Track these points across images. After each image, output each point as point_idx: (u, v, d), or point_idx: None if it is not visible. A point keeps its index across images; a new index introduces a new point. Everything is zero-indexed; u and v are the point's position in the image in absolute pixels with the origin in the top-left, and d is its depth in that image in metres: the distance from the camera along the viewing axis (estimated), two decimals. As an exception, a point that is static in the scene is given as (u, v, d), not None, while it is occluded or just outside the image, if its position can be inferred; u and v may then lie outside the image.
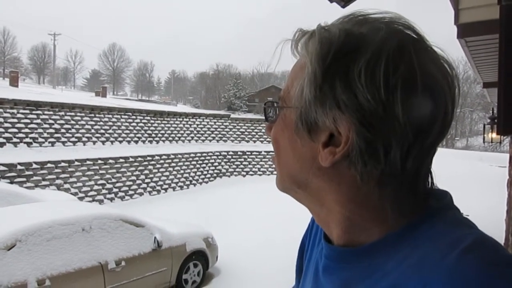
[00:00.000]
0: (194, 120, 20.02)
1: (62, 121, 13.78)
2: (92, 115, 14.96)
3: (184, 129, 19.27)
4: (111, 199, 13.42)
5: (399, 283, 0.45)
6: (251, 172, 19.95)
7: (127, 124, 16.30)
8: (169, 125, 18.39)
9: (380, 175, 0.49)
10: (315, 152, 0.51)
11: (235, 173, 19.67)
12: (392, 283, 0.45)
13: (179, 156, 16.76)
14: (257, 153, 20.33)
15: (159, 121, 17.85)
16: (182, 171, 16.73)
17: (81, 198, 11.76)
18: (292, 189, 0.57)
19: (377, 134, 0.47)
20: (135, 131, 16.57)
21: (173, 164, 16.32)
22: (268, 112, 0.60)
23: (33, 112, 13.00)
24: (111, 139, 15.46)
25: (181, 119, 19.21)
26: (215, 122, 21.13)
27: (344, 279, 0.53)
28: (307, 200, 0.57)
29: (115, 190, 13.65)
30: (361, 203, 0.51)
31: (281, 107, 0.56)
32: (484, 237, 0.44)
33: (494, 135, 8.39)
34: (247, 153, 20.17)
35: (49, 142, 13.22)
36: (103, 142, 15.05)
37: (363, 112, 0.47)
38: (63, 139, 13.66)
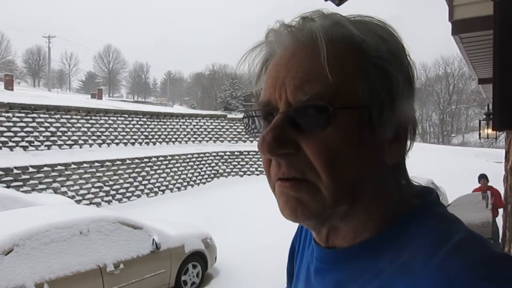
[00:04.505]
0: (190, 121, 20.00)
1: (58, 124, 13.73)
2: (88, 117, 14.91)
3: (181, 130, 19.25)
4: (109, 202, 13.39)
5: (390, 283, 0.44)
6: (248, 172, 19.94)
7: (123, 126, 16.25)
8: (165, 126, 18.36)
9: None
10: (380, 150, 0.49)
11: (232, 173, 19.67)
12: (384, 283, 0.45)
13: (176, 157, 16.73)
14: (254, 153, 20.33)
15: (155, 123, 17.81)
16: (179, 172, 16.71)
17: (78, 201, 11.72)
18: (337, 210, 0.48)
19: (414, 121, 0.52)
20: (131, 133, 16.53)
21: (170, 166, 16.30)
22: (312, 119, 0.46)
23: (29, 115, 12.94)
24: (108, 141, 15.41)
25: (177, 120, 19.18)
26: (211, 123, 21.11)
27: (337, 281, 0.52)
28: (346, 215, 0.49)
29: (112, 192, 13.61)
30: (381, 200, 0.51)
31: (341, 108, 0.45)
32: (472, 235, 0.44)
33: (489, 131, 8.43)
34: (244, 153, 20.16)
35: (45, 146, 13.16)
36: (99, 145, 15.00)
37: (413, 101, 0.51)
38: (59, 142, 13.60)
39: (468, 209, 6.86)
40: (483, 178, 7.79)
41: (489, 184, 7.67)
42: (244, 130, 0.56)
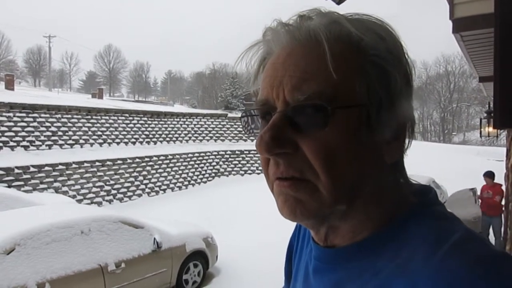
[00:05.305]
0: (191, 120, 19.99)
1: (59, 124, 13.73)
2: (89, 117, 14.91)
3: (182, 129, 19.24)
4: (110, 201, 13.40)
5: (388, 283, 0.44)
6: (249, 171, 19.93)
7: (124, 125, 16.25)
8: (166, 126, 18.36)
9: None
10: (378, 149, 0.48)
11: (233, 172, 19.66)
12: (382, 283, 0.45)
13: (177, 156, 16.73)
14: (255, 152, 20.29)
15: (156, 122, 17.81)
16: (180, 172, 16.71)
17: (79, 201, 11.73)
18: (335, 209, 0.47)
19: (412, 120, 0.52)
20: (132, 132, 16.53)
21: (171, 165, 16.30)
22: (310, 118, 0.45)
23: (30, 115, 12.94)
24: (109, 140, 15.42)
25: (178, 119, 19.18)
26: (212, 122, 21.10)
27: (335, 280, 0.51)
28: (345, 215, 0.49)
29: (113, 192, 13.63)
30: (380, 199, 0.51)
31: (339, 107, 0.45)
32: (470, 234, 0.44)
33: (490, 129, 8.44)
34: (245, 152, 20.15)
35: (46, 145, 13.17)
36: (100, 144, 15.00)
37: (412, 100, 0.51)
38: (60, 142, 13.61)
39: (461, 204, 6.94)
40: (485, 175, 7.73)
41: (495, 181, 7.57)
42: (243, 129, 0.56)
